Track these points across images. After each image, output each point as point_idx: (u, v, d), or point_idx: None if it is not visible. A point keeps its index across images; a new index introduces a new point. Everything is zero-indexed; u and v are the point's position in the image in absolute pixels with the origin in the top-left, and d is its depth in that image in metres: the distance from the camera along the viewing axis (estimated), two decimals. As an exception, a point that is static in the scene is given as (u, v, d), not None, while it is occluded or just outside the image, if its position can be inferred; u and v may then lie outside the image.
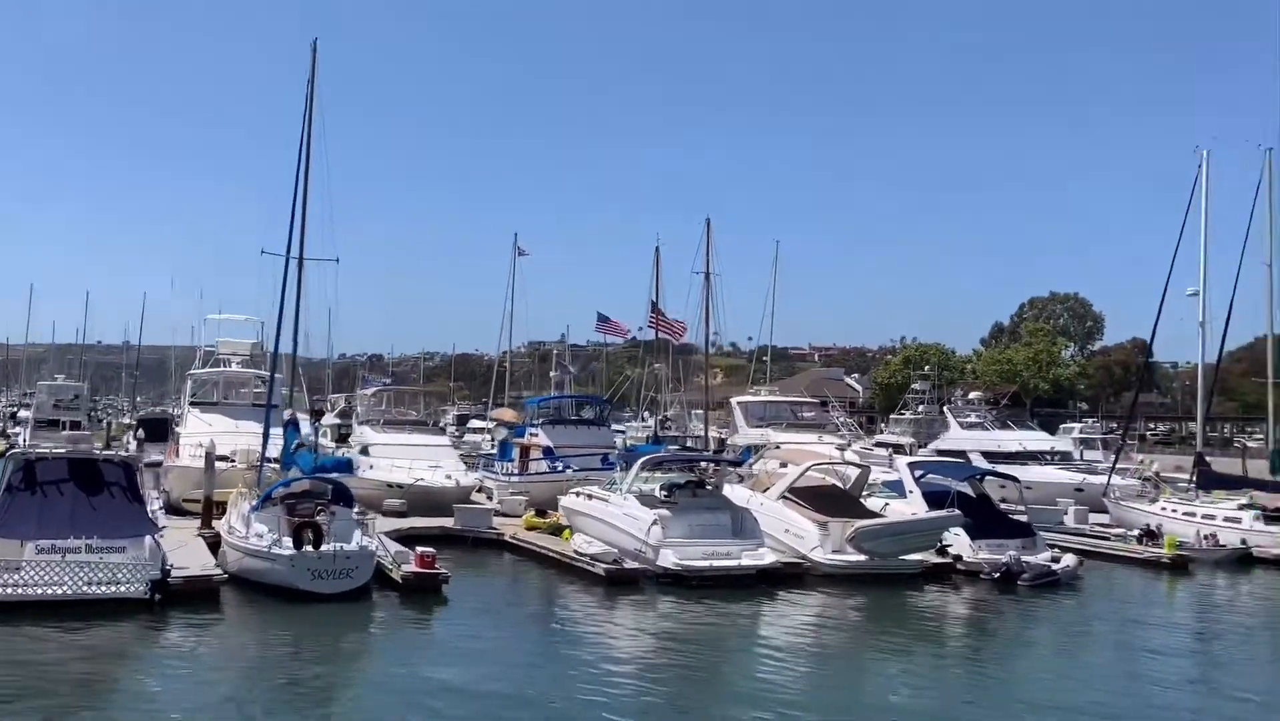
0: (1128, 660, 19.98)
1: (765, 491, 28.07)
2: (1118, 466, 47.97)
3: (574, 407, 41.63)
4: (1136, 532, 32.88)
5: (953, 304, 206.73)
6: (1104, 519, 36.87)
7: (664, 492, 26.54)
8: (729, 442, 46.15)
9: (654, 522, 24.20)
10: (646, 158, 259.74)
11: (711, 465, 29.58)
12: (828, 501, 27.17)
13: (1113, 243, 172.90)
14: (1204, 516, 33.98)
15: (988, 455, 47.15)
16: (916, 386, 75.86)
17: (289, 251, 26.60)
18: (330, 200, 27.68)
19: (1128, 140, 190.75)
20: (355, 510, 23.21)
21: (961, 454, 48.49)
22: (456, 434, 72.20)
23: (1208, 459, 45.33)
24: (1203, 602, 27.14)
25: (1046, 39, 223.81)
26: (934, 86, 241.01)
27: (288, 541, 21.13)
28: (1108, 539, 33.49)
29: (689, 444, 48.26)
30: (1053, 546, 28.64)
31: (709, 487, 27.20)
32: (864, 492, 31.25)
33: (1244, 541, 31.82)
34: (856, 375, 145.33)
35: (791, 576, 25.09)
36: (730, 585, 23.75)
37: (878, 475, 32.63)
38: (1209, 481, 36.20)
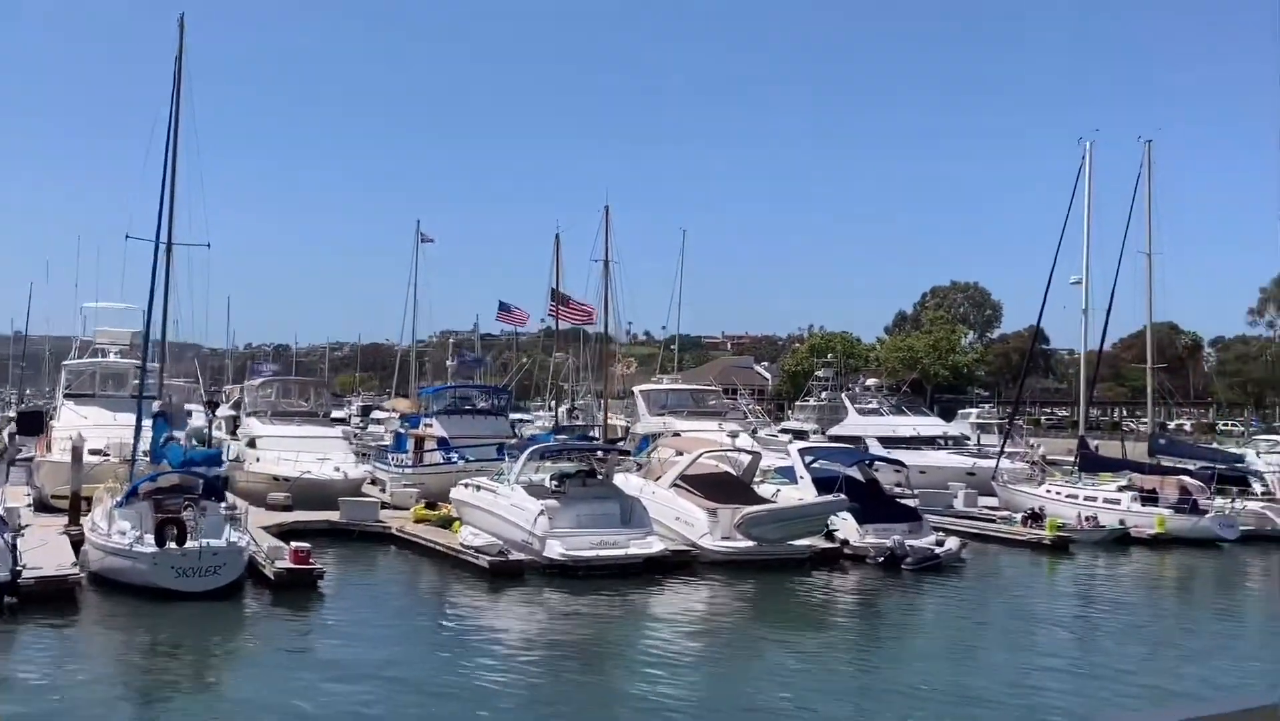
0: (1006, 640, 20.36)
1: (658, 480, 27.93)
2: (1010, 450, 49.37)
3: (470, 397, 40.90)
4: (1021, 515, 33.71)
5: (863, 293, 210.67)
6: (993, 502, 37.80)
7: (554, 483, 26.17)
8: (631, 431, 45.97)
9: (540, 513, 23.83)
10: (558, 144, 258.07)
11: (602, 454, 29.27)
12: (719, 488, 27.14)
13: (1012, 233, 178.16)
14: (1085, 498, 35.06)
15: (884, 440, 48.02)
16: (820, 374, 76.90)
17: (157, 236, 25.39)
18: (202, 184, 26.48)
19: (1025, 132, 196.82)
20: (225, 505, 22.28)
21: (859, 440, 49.28)
22: (360, 425, 70.63)
23: (1093, 443, 46.96)
24: (1080, 582, 27.93)
25: (946, 30, 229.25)
26: (836, 79, 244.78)
27: (150, 538, 20.16)
28: (994, 521, 34.28)
29: (592, 433, 47.96)
30: (938, 530, 29.15)
31: (600, 477, 26.92)
32: (757, 479, 31.43)
33: (1122, 522, 32.89)
34: (766, 363, 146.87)
35: (681, 564, 24.99)
36: (618, 574, 23.51)
37: (773, 461, 32.84)
38: (1090, 464, 37.35)
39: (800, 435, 55.34)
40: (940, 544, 26.93)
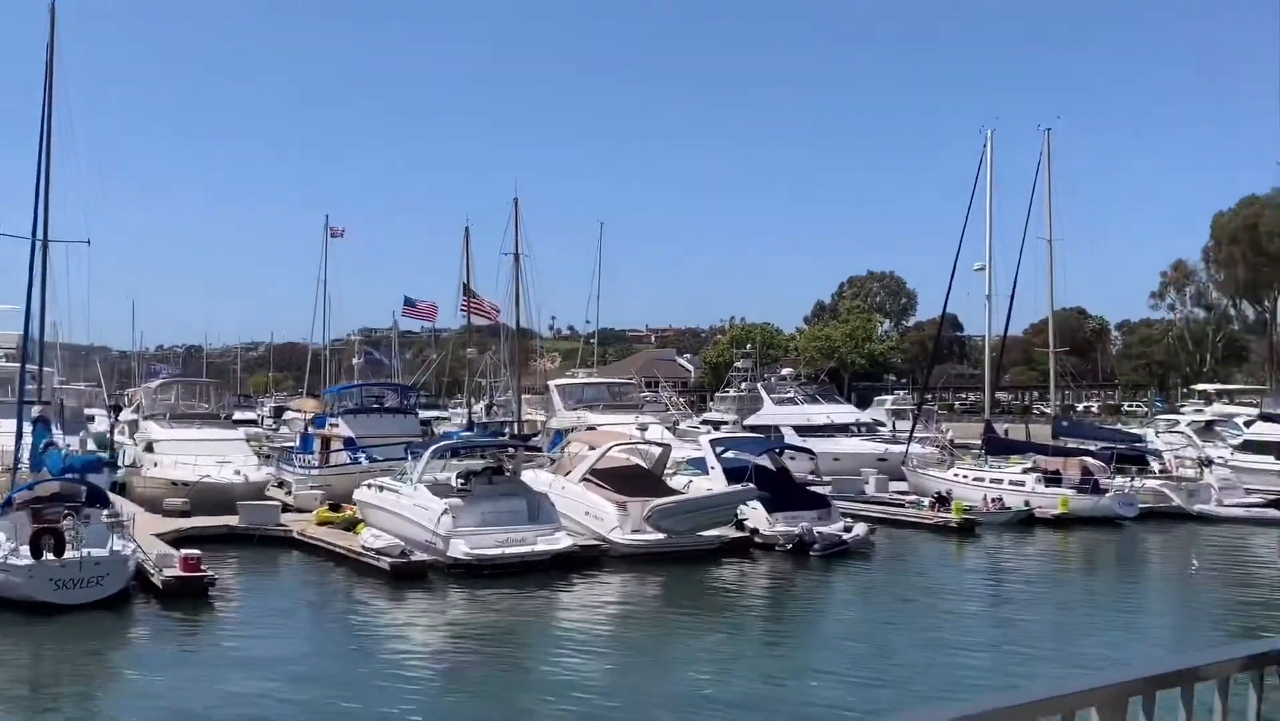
0: (912, 620, 20.56)
1: (567, 475, 27.60)
2: (921, 436, 50.15)
3: (377, 396, 39.99)
4: (929, 499, 34.20)
5: (785, 284, 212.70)
6: (904, 486, 38.34)
7: (460, 481, 25.64)
8: (546, 426, 45.55)
9: (444, 512, 23.30)
10: (477, 135, 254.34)
11: (509, 451, 28.81)
12: (629, 482, 26.92)
13: (926, 222, 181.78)
14: (991, 481, 35.75)
15: (798, 429, 48.45)
16: (739, 365, 77.42)
17: (34, 233, 24.17)
18: (80, 179, 25.29)
19: (937, 121, 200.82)
20: (109, 512, 21.29)
21: (774, 428, 49.65)
22: (272, 426, 68.91)
23: (1004, 426, 48.04)
24: (985, 563, 28.42)
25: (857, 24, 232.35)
26: (752, 73, 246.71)
27: (26, 550, 19.15)
28: (903, 506, 34.74)
29: (507, 430, 47.43)
30: (847, 516, 29.38)
31: (507, 473, 26.48)
32: (669, 471, 31.32)
33: (1027, 503, 33.56)
34: (689, 355, 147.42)
35: (590, 559, 24.72)
36: (524, 572, 23.13)
37: (689, 452, 32.74)
38: (996, 447, 38.11)
39: (720, 426, 55.67)
40: (848, 530, 27.13)
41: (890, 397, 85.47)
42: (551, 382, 48.55)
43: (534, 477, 28.04)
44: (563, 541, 23.89)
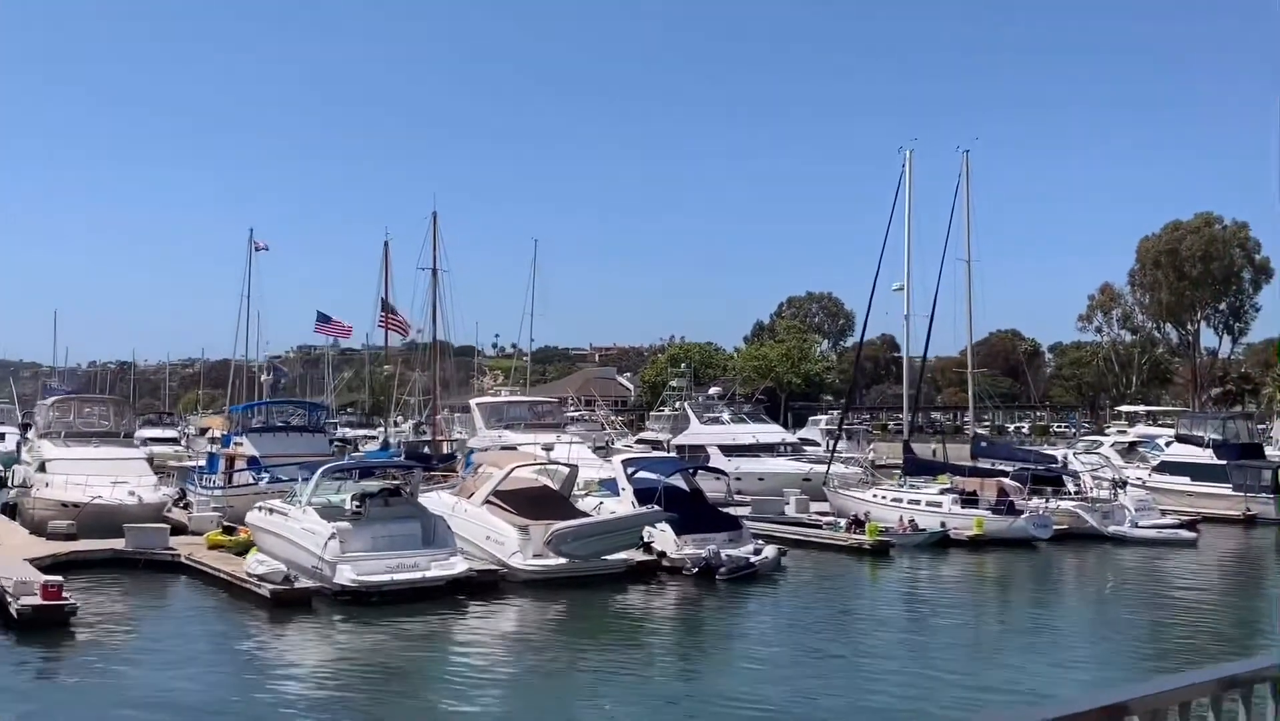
0: (814, 645, 20.05)
1: (470, 496, 26.73)
2: (848, 456, 50.04)
3: (284, 414, 38.70)
4: (846, 520, 33.88)
5: (731, 303, 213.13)
6: (826, 507, 38.02)
7: (355, 503, 24.63)
8: (466, 445, 44.59)
9: (331, 536, 22.29)
10: (405, 151, 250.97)
11: (403, 472, 27.84)
12: (534, 504, 26.13)
13: (863, 243, 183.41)
14: (909, 502, 35.55)
15: (724, 448, 48.04)
16: (673, 384, 77.13)
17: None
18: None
19: (877, 143, 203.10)
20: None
21: (701, 448, 49.26)
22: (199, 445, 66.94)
23: (933, 446, 48.04)
24: (895, 586, 28.10)
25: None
26: (698, 93, 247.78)
27: None
28: (820, 527, 34.36)
29: (427, 450, 46.35)
30: (760, 538, 28.90)
31: (405, 495, 25.54)
32: (581, 492, 30.63)
33: (943, 524, 33.38)
34: (629, 374, 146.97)
35: (488, 585, 23.85)
36: (417, 599, 22.19)
37: (604, 473, 32.10)
38: (915, 468, 37.99)
39: (655, 445, 55.10)
40: (758, 552, 26.60)
41: (824, 417, 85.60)
42: (473, 401, 47.65)
43: (436, 500, 27.14)
44: (458, 566, 23.01)
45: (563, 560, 24.24)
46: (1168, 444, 47.79)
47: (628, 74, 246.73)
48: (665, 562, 26.22)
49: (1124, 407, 70.48)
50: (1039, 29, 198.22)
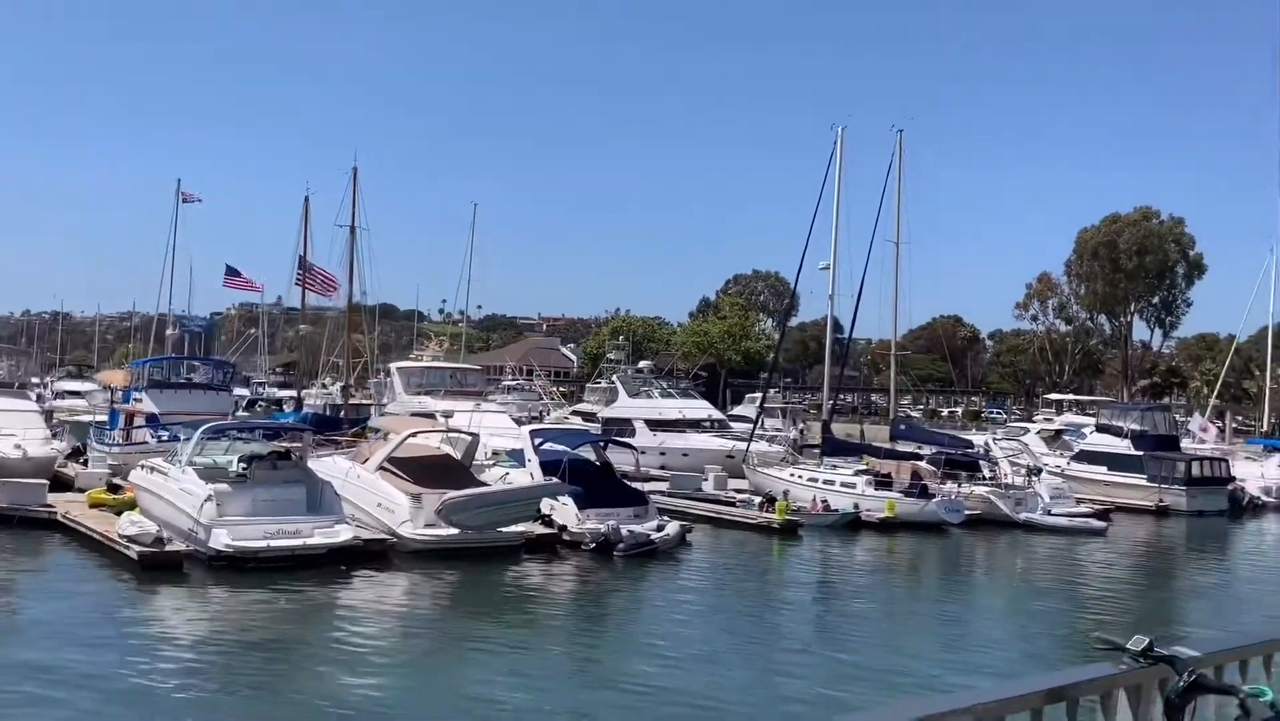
0: (704, 624, 19.59)
1: (365, 462, 25.84)
2: (773, 434, 49.78)
3: (186, 370, 37.37)
4: (760, 499, 33.52)
5: (684, 279, 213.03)
6: (746, 484, 37.68)
7: (242, 465, 23.64)
8: (384, 410, 43.53)
9: (208, 499, 21.31)
10: (331, 107, 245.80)
11: (290, 434, 26.84)
12: (431, 472, 25.29)
13: (803, 223, 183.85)
14: (825, 482, 35.30)
15: (650, 423, 47.64)
16: (610, 356, 76.61)
17: None
18: None
19: (822, 123, 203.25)
20: None
21: (627, 421, 48.75)
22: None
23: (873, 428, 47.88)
24: (798, 566, 27.76)
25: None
26: (644, 72, 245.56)
27: None
28: (733, 505, 33.96)
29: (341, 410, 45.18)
30: (668, 514, 28.41)
31: (294, 459, 24.57)
32: (488, 462, 29.93)
33: (856, 506, 33.16)
34: (572, 345, 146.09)
35: (376, 555, 23.05)
36: (297, 568, 21.30)
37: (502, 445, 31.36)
38: (834, 449, 37.74)
39: (590, 417, 54.55)
40: (660, 529, 26.08)
41: (761, 395, 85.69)
42: (393, 365, 46.55)
43: (330, 465, 26.22)
44: (343, 534, 22.15)
45: (454, 531, 23.50)
46: (1091, 434, 48.15)
47: (585, 54, 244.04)
48: (565, 537, 25.61)
49: (1052, 396, 71.14)
50: (991, 18, 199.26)
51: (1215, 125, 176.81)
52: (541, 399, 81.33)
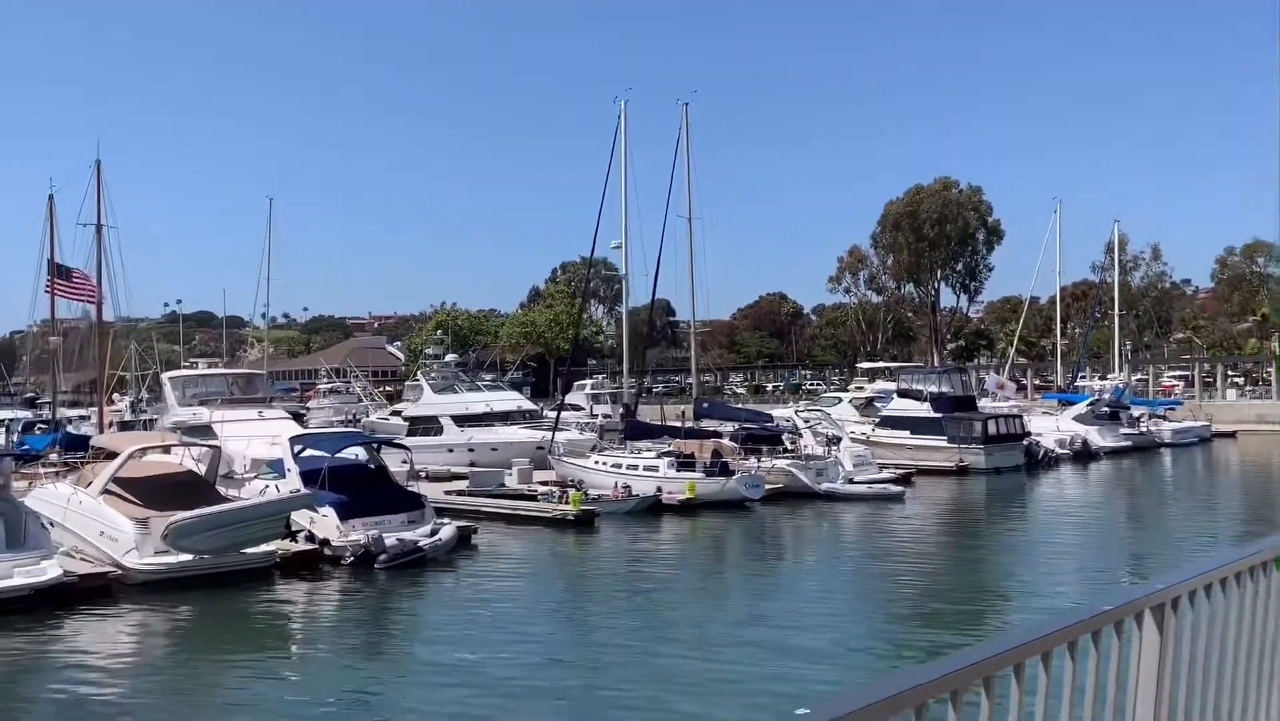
0: (452, 644, 17.69)
1: (89, 486, 22.80)
2: (586, 421, 48.39)
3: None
4: (559, 490, 32.03)
5: (515, 270, 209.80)
6: (554, 476, 36.16)
7: (-75, 501, 20.28)
8: (158, 424, 39.74)
9: None
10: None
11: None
12: (166, 493, 22.49)
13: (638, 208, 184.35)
14: (628, 467, 34.13)
15: (457, 418, 45.61)
16: (428, 351, 73.67)
17: None
18: None
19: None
20: None
21: (434, 419, 46.58)
22: None
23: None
24: (588, 562, 26.35)
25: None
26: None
27: None
28: (536, 498, 32.33)
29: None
30: (449, 514, 26.52)
31: (-3, 488, 21.33)
32: (249, 474, 27.26)
33: (658, 489, 32.10)
34: (398, 343, 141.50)
35: (99, 591, 20.24)
36: (-6, 613, 18.39)
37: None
38: (635, 432, 36.63)
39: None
40: (434, 533, 24.12)
41: (590, 382, 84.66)
42: (165, 375, 42.66)
43: (53, 492, 23.09)
44: (50, 571, 19.26)
45: (187, 557, 20.87)
46: (893, 399, 48.90)
47: (386, 50, 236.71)
48: (327, 551, 23.32)
49: (863, 364, 72.71)
50: None
51: (1013, 96, 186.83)
52: (361, 401, 77.69)
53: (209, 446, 24.80)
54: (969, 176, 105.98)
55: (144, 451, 23.42)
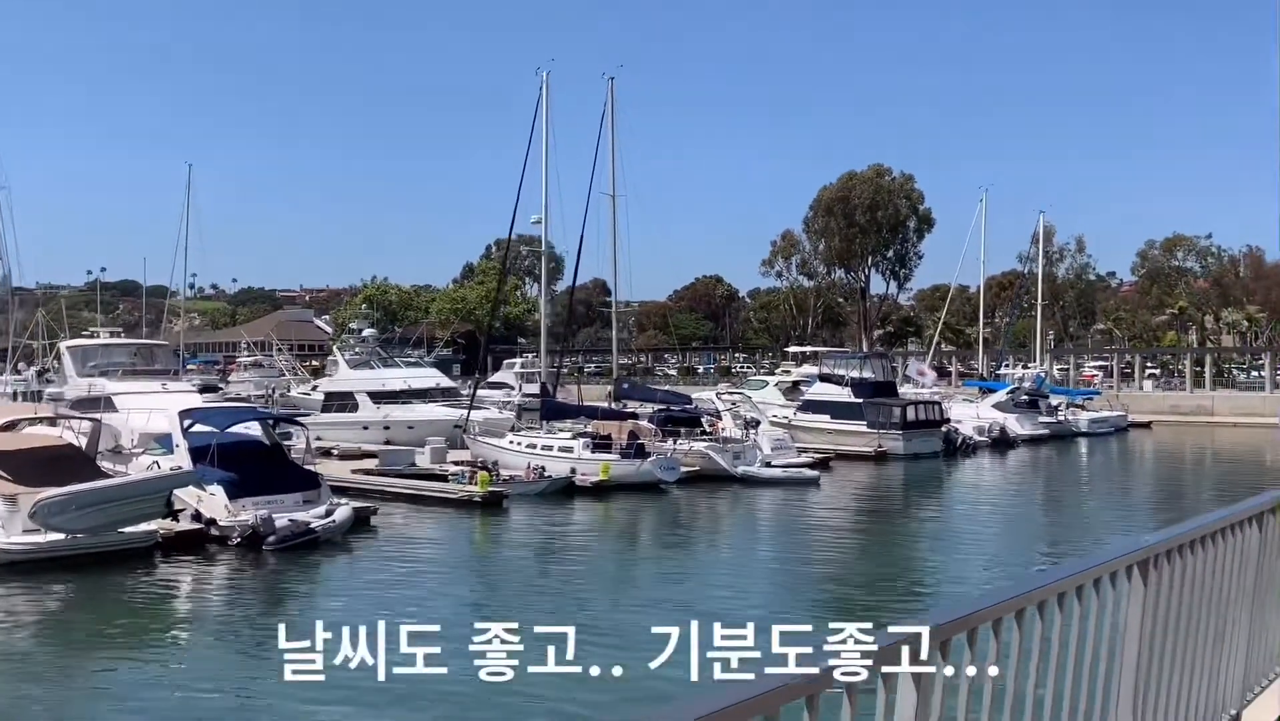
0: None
1: (-41, 461, 21.43)
2: (506, 401, 47.57)
3: None
4: (469, 471, 31.23)
5: (451, 245, 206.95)
6: (469, 455, 35.33)
7: None
8: (52, 396, 38.02)
9: None
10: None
11: None
12: (40, 468, 21.19)
13: (580, 186, 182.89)
14: (543, 447, 33.48)
15: (374, 395, 44.52)
16: (352, 325, 72.06)
17: None
18: None
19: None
20: None
21: (349, 395, 45.38)
22: None
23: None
24: (491, 545, 25.75)
25: None
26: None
27: None
28: (446, 479, 31.50)
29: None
30: (361, 494, 25.69)
31: None
32: (136, 449, 26.06)
33: (573, 470, 31.49)
34: (327, 317, 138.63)
35: (-41, 572, 19.07)
36: None
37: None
38: (553, 412, 35.98)
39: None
40: (329, 514, 23.21)
41: (520, 361, 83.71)
42: (63, 344, 40.87)
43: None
44: (-99, 553, 18.03)
45: (59, 536, 19.74)
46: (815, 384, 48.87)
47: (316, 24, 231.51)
48: (214, 532, 22.29)
49: (791, 348, 72.86)
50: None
51: (954, 83, 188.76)
52: (283, 375, 75.80)
53: (90, 420, 23.54)
54: (905, 165, 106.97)
55: (16, 424, 22.09)
